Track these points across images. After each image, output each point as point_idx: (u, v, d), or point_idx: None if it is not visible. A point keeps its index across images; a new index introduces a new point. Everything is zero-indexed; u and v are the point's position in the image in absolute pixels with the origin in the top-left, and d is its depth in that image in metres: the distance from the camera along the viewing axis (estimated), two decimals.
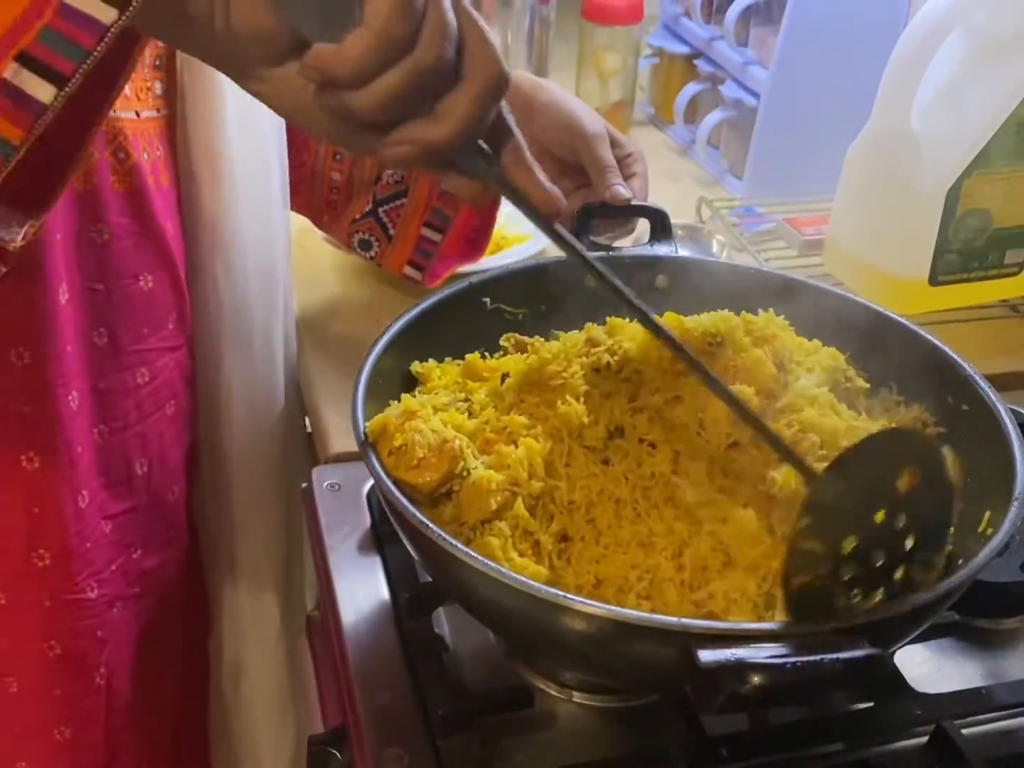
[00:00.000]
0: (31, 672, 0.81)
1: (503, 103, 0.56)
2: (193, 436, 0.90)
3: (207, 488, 0.92)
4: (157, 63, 0.78)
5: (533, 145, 0.91)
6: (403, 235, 0.98)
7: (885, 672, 0.54)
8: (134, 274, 0.79)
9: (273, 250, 0.89)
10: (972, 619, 0.75)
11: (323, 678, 0.84)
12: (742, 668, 0.51)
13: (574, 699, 0.70)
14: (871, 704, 0.68)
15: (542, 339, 0.78)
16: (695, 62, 1.41)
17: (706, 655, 0.52)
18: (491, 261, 1.09)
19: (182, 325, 0.85)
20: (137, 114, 0.76)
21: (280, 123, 0.87)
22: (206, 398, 0.89)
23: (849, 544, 0.57)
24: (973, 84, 0.99)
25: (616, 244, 0.91)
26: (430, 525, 0.61)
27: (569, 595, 0.56)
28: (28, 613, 0.79)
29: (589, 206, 0.88)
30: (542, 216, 0.58)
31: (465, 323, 0.79)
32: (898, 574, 0.58)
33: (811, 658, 0.52)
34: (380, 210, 0.97)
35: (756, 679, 0.51)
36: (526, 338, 0.79)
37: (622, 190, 0.87)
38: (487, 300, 0.81)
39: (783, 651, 0.52)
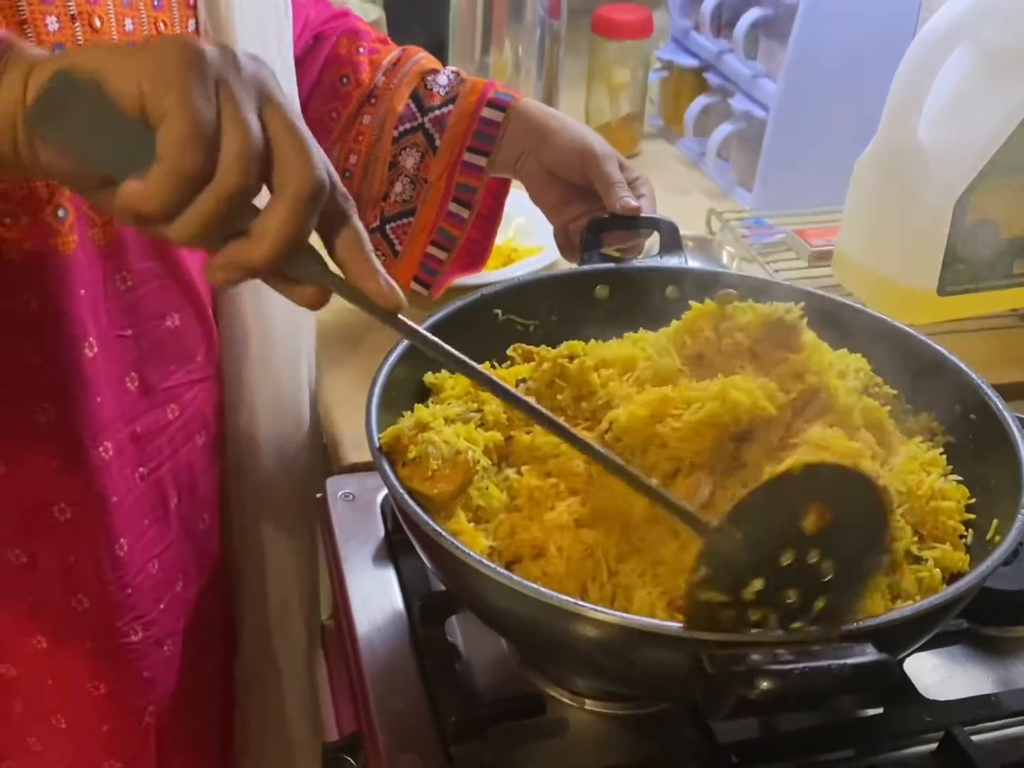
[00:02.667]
0: (78, 710, 0.82)
1: (339, 190, 0.54)
2: (223, 463, 0.90)
3: (236, 513, 0.93)
4: None
5: (543, 171, 0.93)
6: (409, 252, 0.99)
7: (893, 678, 0.54)
8: (161, 315, 0.78)
9: None
10: (982, 627, 0.75)
11: (337, 686, 0.85)
12: (751, 674, 0.52)
13: (586, 706, 0.71)
14: (881, 710, 0.69)
15: (549, 348, 0.79)
16: (704, 75, 1.42)
17: (715, 661, 0.53)
18: (503, 273, 1.10)
19: (210, 355, 0.85)
20: None
21: None
22: (235, 424, 0.89)
23: (753, 589, 0.55)
24: (980, 97, 1.00)
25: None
26: (443, 534, 0.61)
27: (580, 602, 0.57)
28: (72, 655, 0.80)
29: (599, 220, 0.88)
30: (383, 313, 0.56)
31: (477, 334, 0.80)
32: (819, 604, 0.56)
33: (819, 663, 0.53)
34: (387, 227, 0.98)
35: (764, 684, 0.51)
36: (532, 348, 0.79)
37: (631, 200, 0.88)
38: (498, 312, 0.82)
39: (791, 657, 0.53)
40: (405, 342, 0.75)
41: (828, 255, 1.14)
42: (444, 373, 0.78)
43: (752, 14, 1.28)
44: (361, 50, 0.98)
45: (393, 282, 0.56)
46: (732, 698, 0.52)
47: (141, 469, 0.80)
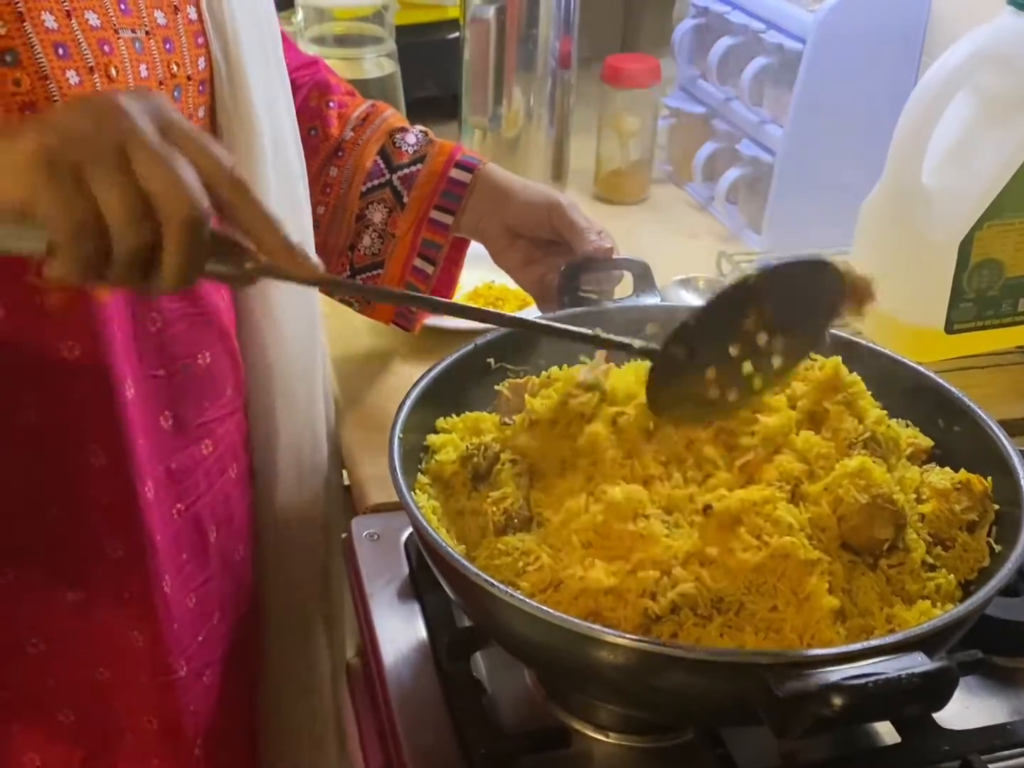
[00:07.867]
0: (132, 746, 0.85)
1: (225, 184, 0.60)
2: (253, 494, 0.93)
3: (266, 544, 0.95)
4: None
5: (506, 231, 0.96)
6: (381, 304, 1.03)
7: (956, 686, 0.57)
8: (192, 354, 0.81)
9: (312, 308, 0.93)
10: (996, 657, 0.76)
11: (364, 724, 0.86)
12: (826, 692, 0.53)
13: (610, 739, 0.72)
14: (899, 740, 0.70)
15: (535, 377, 0.81)
16: (712, 122, 1.45)
17: (785, 684, 0.54)
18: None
19: (238, 388, 0.88)
20: None
21: (307, 191, 0.92)
22: (262, 456, 0.92)
23: (709, 378, 0.68)
24: (981, 141, 1.03)
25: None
26: (468, 566, 0.64)
27: (609, 630, 0.59)
28: (128, 689, 0.83)
29: (574, 263, 0.91)
30: (306, 280, 0.64)
31: (474, 384, 0.82)
32: (776, 362, 0.69)
33: (890, 674, 0.54)
34: (359, 279, 1.01)
35: (838, 700, 0.53)
36: (518, 380, 0.82)
37: (603, 243, 0.90)
38: (491, 360, 0.84)
39: (857, 671, 0.54)
40: (421, 385, 0.78)
41: None
42: (443, 435, 0.79)
43: (757, 62, 1.32)
44: (331, 104, 1.02)
45: (305, 252, 0.62)
46: (808, 717, 0.53)
47: (178, 505, 0.82)
